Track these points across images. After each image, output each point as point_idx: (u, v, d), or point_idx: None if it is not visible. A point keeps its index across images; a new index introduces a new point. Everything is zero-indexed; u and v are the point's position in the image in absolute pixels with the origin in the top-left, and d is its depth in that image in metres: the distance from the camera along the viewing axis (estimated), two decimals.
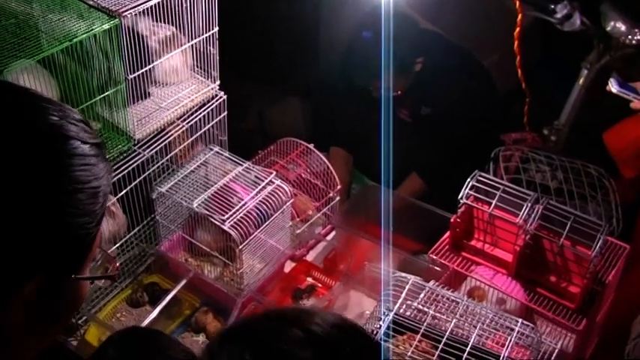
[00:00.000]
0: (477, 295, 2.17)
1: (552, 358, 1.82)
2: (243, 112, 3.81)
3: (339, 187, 2.55)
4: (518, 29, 2.42)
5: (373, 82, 2.87)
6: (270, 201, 2.26)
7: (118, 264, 1.79)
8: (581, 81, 2.48)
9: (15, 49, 1.84)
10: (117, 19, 1.96)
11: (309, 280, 2.48)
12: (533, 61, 2.58)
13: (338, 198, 2.57)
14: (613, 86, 2.23)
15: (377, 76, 2.84)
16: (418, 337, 1.74)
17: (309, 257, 2.54)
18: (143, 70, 2.14)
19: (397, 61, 2.67)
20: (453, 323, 1.75)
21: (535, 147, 2.61)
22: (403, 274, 1.79)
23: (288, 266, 2.48)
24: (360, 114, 3.14)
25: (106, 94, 2.07)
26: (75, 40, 1.89)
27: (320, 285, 2.46)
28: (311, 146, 2.58)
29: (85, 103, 2.04)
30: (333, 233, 2.59)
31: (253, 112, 3.88)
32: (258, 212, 2.24)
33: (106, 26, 1.94)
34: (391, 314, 1.74)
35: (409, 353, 1.70)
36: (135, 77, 2.14)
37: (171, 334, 2.27)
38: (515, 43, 2.46)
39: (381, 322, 1.76)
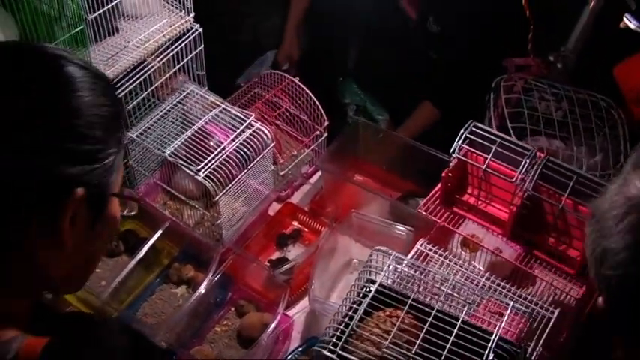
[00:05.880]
0: (471, 243, 2.04)
1: (549, 326, 1.69)
2: (237, 25, 3.56)
3: (326, 123, 2.38)
4: None
5: None
6: (251, 144, 2.10)
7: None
8: (591, 4, 2.27)
9: None
10: None
11: (295, 224, 2.35)
12: None
13: (326, 135, 2.40)
14: (631, 22, 2.02)
15: None
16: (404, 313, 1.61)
17: (295, 199, 2.39)
18: (106, 8, 1.94)
19: None
20: (442, 297, 1.62)
21: (539, 75, 2.41)
22: (384, 248, 1.64)
23: (272, 210, 2.34)
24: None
25: (64, 37, 1.88)
26: None
27: (306, 230, 2.33)
28: (296, 80, 2.39)
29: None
30: (319, 174, 2.43)
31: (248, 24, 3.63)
32: (238, 156, 2.09)
33: None
34: (374, 287, 1.61)
35: (395, 329, 1.57)
36: (98, 15, 1.94)
37: (149, 285, 2.17)
38: None
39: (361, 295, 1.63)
